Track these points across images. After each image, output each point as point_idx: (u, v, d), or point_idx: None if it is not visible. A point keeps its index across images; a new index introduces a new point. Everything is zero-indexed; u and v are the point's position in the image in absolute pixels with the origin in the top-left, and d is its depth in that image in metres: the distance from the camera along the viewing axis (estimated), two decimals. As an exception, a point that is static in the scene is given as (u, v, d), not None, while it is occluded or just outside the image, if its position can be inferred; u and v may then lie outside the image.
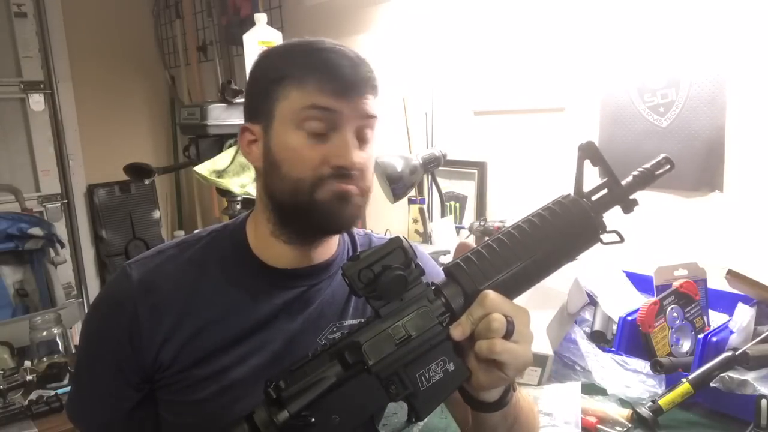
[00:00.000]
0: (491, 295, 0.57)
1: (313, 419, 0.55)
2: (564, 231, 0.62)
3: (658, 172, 0.67)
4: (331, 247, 0.82)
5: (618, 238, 0.64)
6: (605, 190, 0.65)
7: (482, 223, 1.72)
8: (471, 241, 1.85)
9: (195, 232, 0.85)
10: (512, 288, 0.60)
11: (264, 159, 0.75)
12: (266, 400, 0.56)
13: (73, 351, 1.72)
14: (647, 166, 0.68)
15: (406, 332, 0.56)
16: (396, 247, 0.58)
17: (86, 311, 0.82)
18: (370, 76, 0.74)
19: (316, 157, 0.71)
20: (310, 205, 0.72)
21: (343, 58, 0.72)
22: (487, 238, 0.62)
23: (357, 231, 0.90)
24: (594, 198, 0.65)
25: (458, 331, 0.58)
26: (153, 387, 0.76)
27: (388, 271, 0.57)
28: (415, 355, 0.57)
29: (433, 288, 0.60)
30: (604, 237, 0.64)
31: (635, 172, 0.67)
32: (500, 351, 0.56)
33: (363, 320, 0.59)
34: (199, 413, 0.74)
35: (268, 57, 0.78)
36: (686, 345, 1.22)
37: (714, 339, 1.12)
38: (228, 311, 0.76)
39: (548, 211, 0.63)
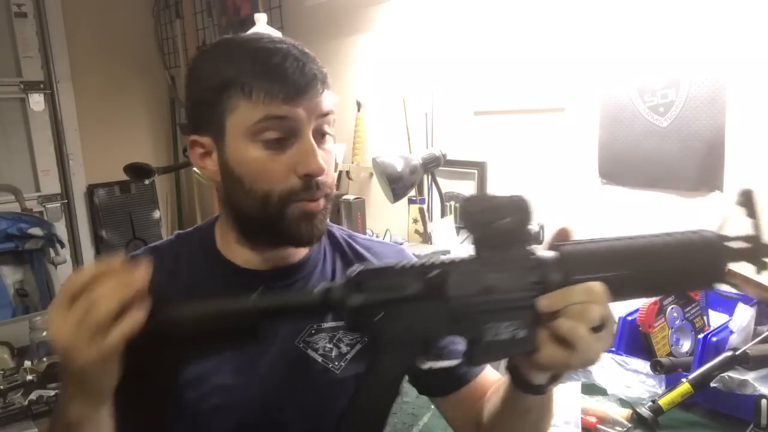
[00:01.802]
0: (600, 288, 0.56)
1: (379, 317, 0.58)
2: (686, 262, 0.59)
3: None
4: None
5: (732, 290, 0.62)
6: (744, 243, 0.61)
7: (482, 223, 1.71)
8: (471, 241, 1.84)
9: (164, 239, 0.85)
10: (612, 291, 0.58)
11: (222, 174, 0.72)
12: (346, 284, 0.58)
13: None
14: None
15: (493, 284, 0.57)
16: (519, 200, 0.58)
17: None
18: (319, 72, 0.71)
19: (281, 168, 0.69)
20: (279, 219, 0.70)
21: (289, 59, 0.68)
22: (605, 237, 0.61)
23: (340, 228, 0.90)
24: (729, 244, 0.61)
25: (546, 303, 0.57)
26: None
27: (504, 220, 0.57)
28: (492, 308, 0.58)
29: (535, 257, 0.59)
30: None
31: None
32: (581, 336, 0.55)
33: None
34: (180, 420, 0.74)
35: (205, 60, 0.73)
36: (686, 345, 1.22)
37: (714, 339, 1.12)
38: None
39: (679, 237, 0.60)
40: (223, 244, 0.79)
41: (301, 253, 0.81)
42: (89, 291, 0.53)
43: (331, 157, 0.74)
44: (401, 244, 1.90)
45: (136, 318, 0.54)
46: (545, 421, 0.72)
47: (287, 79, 0.67)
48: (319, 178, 0.70)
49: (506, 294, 0.58)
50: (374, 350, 0.60)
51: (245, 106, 0.68)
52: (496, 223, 0.57)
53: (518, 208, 0.58)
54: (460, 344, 0.84)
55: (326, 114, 0.72)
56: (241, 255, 0.78)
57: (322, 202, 0.72)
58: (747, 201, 0.62)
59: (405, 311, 0.58)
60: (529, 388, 0.64)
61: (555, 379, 0.64)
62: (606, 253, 0.59)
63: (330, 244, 0.86)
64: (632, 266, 0.59)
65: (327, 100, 0.72)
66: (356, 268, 0.59)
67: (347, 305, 0.58)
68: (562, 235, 0.61)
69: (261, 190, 0.70)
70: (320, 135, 0.72)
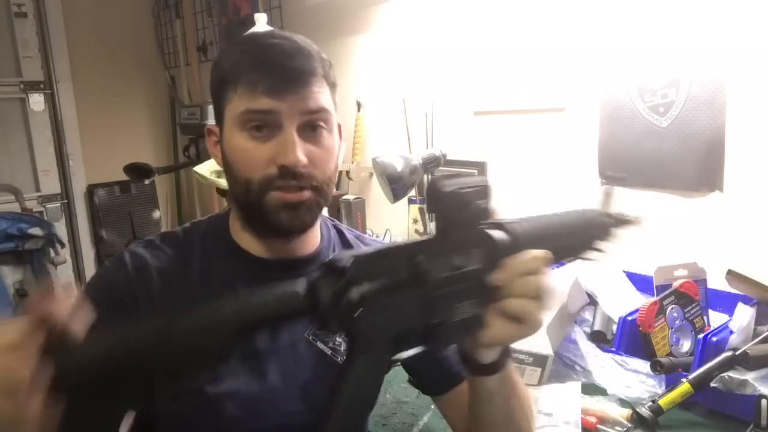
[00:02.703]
0: (545, 255, 0.59)
1: (358, 312, 0.51)
2: (587, 231, 0.71)
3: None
4: (311, 241, 0.82)
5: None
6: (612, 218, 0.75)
7: (482, 223, 1.71)
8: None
9: (184, 225, 0.86)
10: (547, 242, 0.62)
11: (222, 161, 0.77)
12: (336, 276, 0.51)
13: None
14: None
15: (460, 263, 0.58)
16: (480, 180, 0.60)
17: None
18: (309, 67, 0.71)
19: (262, 157, 0.71)
20: (260, 207, 0.72)
21: (276, 53, 0.70)
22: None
23: (348, 228, 0.91)
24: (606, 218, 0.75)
25: (498, 276, 0.58)
26: None
27: (466, 199, 0.58)
28: (460, 288, 0.58)
29: (488, 234, 0.60)
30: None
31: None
32: (530, 310, 0.58)
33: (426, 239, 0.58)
34: (188, 406, 0.74)
35: (219, 55, 0.78)
36: (686, 345, 1.22)
37: (714, 339, 1.12)
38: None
39: (579, 213, 0.72)
40: (234, 230, 0.81)
41: (310, 246, 0.81)
42: None
43: (325, 151, 0.74)
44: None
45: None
46: (516, 404, 0.70)
47: (269, 72, 0.69)
48: (303, 170, 0.70)
49: (468, 273, 0.58)
50: (351, 349, 0.54)
51: (234, 98, 0.72)
52: (459, 200, 0.58)
53: (478, 187, 0.59)
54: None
55: (316, 111, 0.71)
56: (249, 241, 0.79)
57: (306, 193, 0.72)
58: (606, 198, 0.77)
59: (385, 302, 0.53)
60: (482, 369, 0.64)
61: (505, 355, 0.65)
62: (542, 228, 0.65)
63: (340, 243, 0.87)
64: (557, 238, 0.66)
65: (320, 96, 0.72)
66: (339, 255, 0.53)
67: (340, 306, 0.50)
68: (493, 214, 0.63)
69: (243, 177, 0.72)
70: (310, 129, 0.72)
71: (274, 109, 0.69)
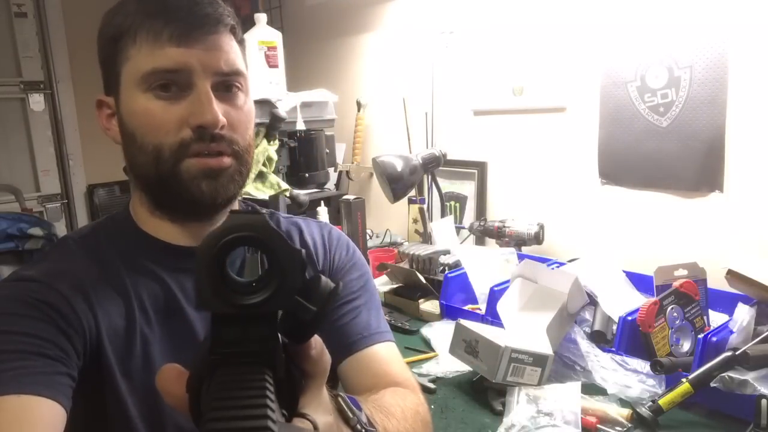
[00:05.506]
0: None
1: None
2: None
3: None
4: None
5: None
6: None
7: (482, 223, 1.72)
8: (471, 241, 1.85)
9: (79, 228, 0.75)
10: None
11: (121, 132, 0.67)
12: None
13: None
14: None
15: None
16: None
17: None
18: (217, 14, 0.63)
19: (173, 119, 0.62)
20: (174, 177, 0.63)
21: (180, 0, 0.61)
22: None
23: (282, 214, 0.81)
24: None
25: None
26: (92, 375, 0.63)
27: None
28: None
29: None
30: None
31: None
32: None
33: None
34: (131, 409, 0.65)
35: (106, 16, 0.68)
36: (686, 345, 1.22)
37: (714, 339, 1.12)
38: (129, 300, 0.66)
39: None
40: (142, 221, 0.70)
41: None
42: None
43: (243, 114, 0.66)
44: (400, 244, 1.90)
45: None
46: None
47: (174, 17, 0.61)
48: (223, 131, 0.63)
49: None
50: None
51: (135, 54, 0.63)
52: None
53: None
54: None
55: (230, 74, 0.64)
56: (163, 229, 0.69)
57: (227, 160, 0.64)
58: None
59: None
60: None
61: None
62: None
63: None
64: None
65: (232, 55, 0.64)
66: None
67: None
68: None
69: (152, 144, 0.63)
70: (225, 88, 0.65)
71: (182, 68, 0.61)
